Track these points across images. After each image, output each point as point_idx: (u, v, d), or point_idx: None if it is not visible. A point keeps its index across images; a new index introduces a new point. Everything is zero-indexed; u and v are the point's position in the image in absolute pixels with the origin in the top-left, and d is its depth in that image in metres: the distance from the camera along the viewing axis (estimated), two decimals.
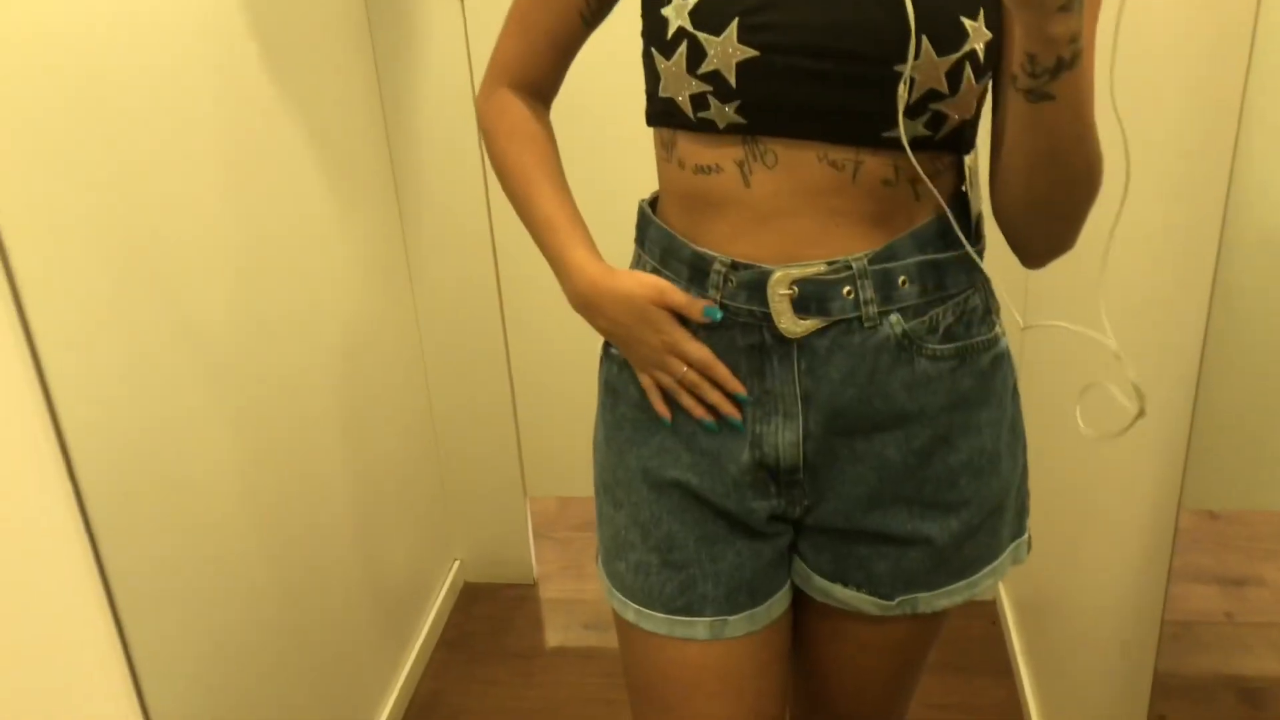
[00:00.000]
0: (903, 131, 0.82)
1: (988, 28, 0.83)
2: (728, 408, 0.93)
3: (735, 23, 0.82)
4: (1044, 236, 0.89)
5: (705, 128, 0.86)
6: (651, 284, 0.92)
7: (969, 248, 0.90)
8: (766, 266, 0.88)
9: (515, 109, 1.01)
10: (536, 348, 2.05)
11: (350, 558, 1.73)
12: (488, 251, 1.96)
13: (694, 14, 0.83)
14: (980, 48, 0.82)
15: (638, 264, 0.99)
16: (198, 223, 1.26)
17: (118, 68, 1.11)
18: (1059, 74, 0.74)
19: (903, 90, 0.81)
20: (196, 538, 1.26)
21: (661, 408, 0.96)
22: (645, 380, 0.96)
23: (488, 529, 2.24)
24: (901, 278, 0.88)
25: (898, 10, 0.79)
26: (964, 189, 0.94)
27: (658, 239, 0.95)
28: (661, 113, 0.89)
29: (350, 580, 1.73)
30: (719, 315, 0.90)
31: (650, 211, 0.97)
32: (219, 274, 1.31)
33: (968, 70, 0.82)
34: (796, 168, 0.85)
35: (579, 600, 2.21)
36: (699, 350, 0.92)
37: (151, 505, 1.16)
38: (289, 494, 1.49)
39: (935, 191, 0.87)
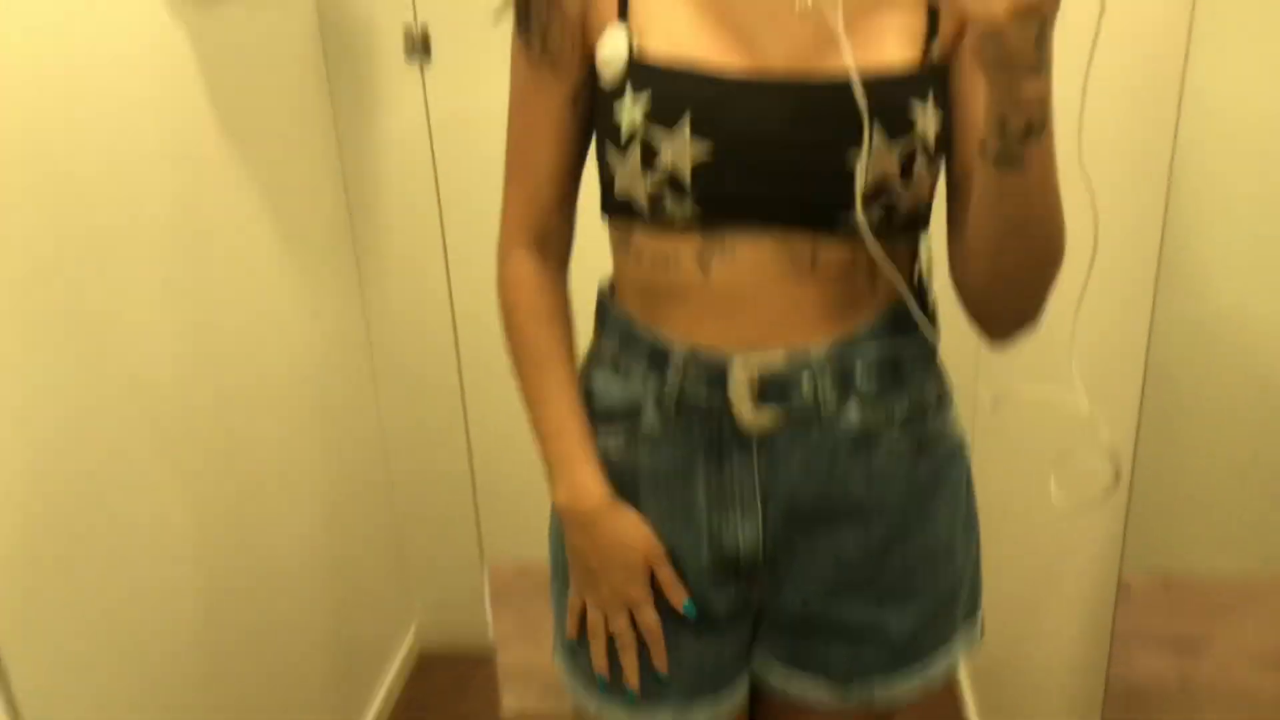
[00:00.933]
0: (861, 219, 0.82)
1: (937, 108, 0.84)
2: (633, 679, 0.95)
3: (688, 120, 0.83)
4: (1012, 311, 0.88)
5: (661, 223, 0.87)
6: (651, 544, 0.93)
7: (927, 331, 0.90)
8: (726, 356, 0.88)
9: (532, 280, 0.97)
10: (495, 407, 2.05)
11: (302, 624, 1.70)
12: (447, 315, 1.97)
13: (647, 113, 0.84)
14: (931, 131, 0.84)
15: (597, 350, 0.98)
16: (148, 293, 1.26)
17: (70, 131, 1.12)
18: (1029, 139, 0.72)
19: (860, 175, 0.81)
20: (139, 599, 1.24)
21: (574, 631, 0.98)
22: (574, 601, 0.97)
23: (444, 595, 2.21)
24: (860, 369, 0.89)
25: (847, 100, 0.80)
26: (920, 273, 0.94)
27: (616, 327, 0.95)
28: (617, 207, 0.90)
29: (302, 648, 1.70)
30: (694, 613, 0.94)
31: (609, 298, 0.97)
32: (170, 342, 1.31)
33: (919, 156, 0.84)
34: (755, 257, 0.86)
35: (537, 667, 2.18)
36: (651, 620, 0.93)
37: (91, 563, 1.15)
38: (238, 558, 1.48)
39: (896, 275, 0.87)
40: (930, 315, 0.94)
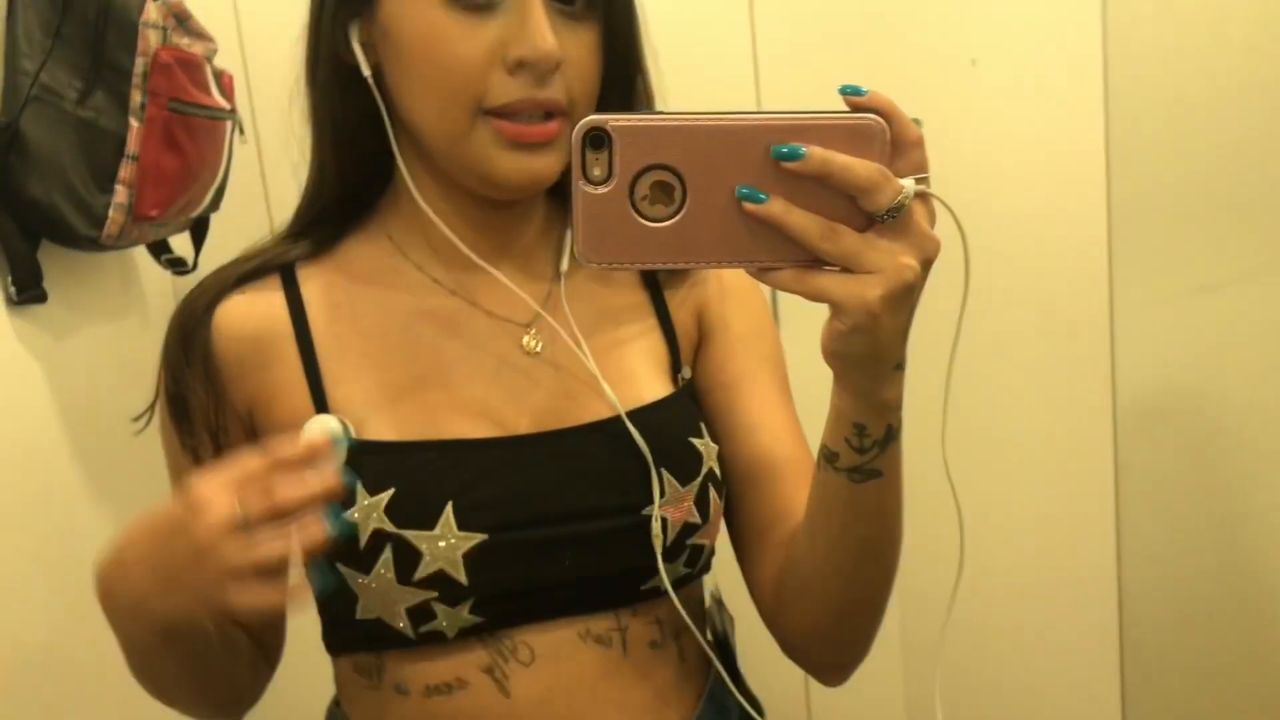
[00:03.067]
0: (665, 578, 0.72)
1: (712, 440, 0.77)
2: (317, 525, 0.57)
3: (449, 508, 0.69)
4: (855, 643, 0.75)
5: (430, 641, 0.71)
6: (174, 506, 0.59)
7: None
8: None
9: None
10: None
11: None
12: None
13: (392, 510, 0.68)
14: (715, 465, 0.76)
15: None
16: None
17: None
18: (888, 445, 0.63)
19: (657, 529, 0.71)
20: None
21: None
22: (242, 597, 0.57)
23: None
24: None
25: (629, 451, 0.71)
26: (722, 631, 0.84)
27: None
28: (357, 639, 0.73)
29: None
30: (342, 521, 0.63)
31: None
32: None
33: (711, 492, 0.75)
34: (559, 658, 0.72)
35: None
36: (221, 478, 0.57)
37: None
38: None
39: (703, 642, 0.77)
40: (728, 639, 0.83)
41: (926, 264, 0.54)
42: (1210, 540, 1.49)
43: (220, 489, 0.56)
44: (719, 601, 0.85)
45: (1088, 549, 1.57)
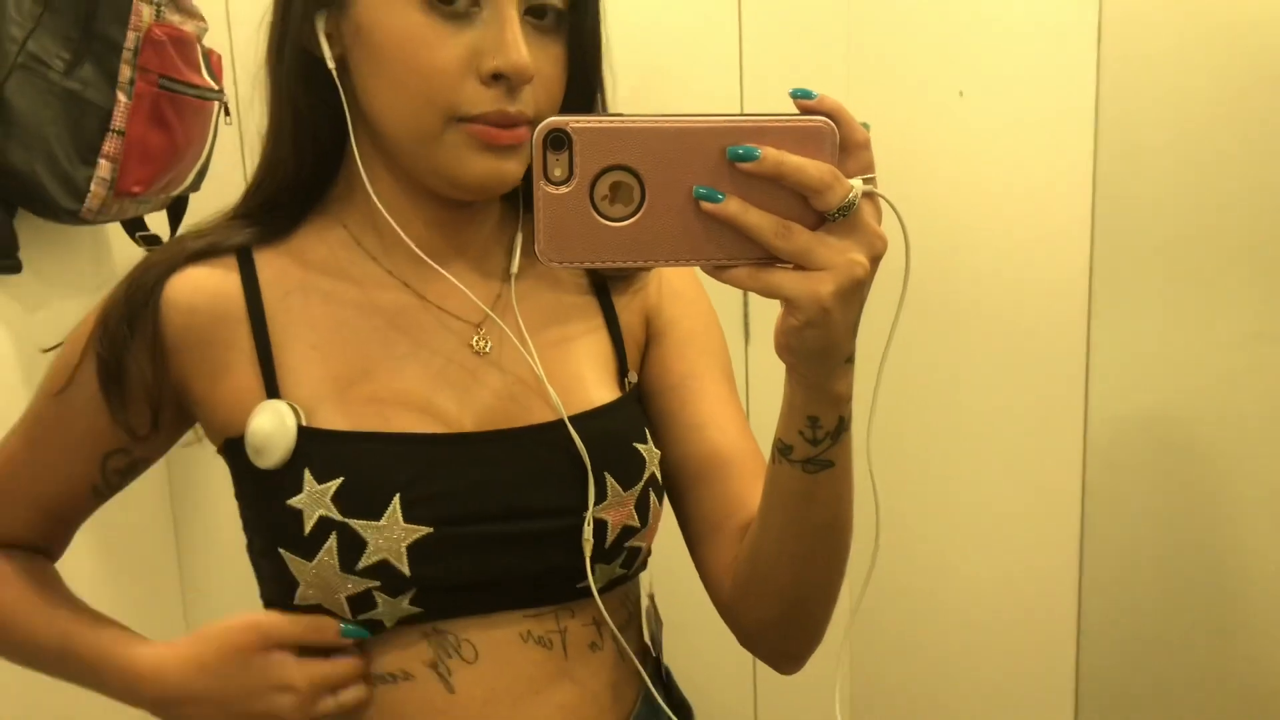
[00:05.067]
0: (591, 580, 0.74)
1: (662, 438, 0.79)
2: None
3: (397, 500, 0.70)
4: (810, 630, 0.76)
5: (372, 629, 0.73)
6: (247, 626, 0.72)
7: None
8: None
9: None
10: None
11: None
12: None
13: (340, 499, 0.69)
14: (657, 470, 0.78)
15: None
16: None
17: None
18: (840, 436, 0.65)
19: (588, 533, 0.73)
20: None
21: None
22: None
23: None
24: None
25: (574, 454, 0.73)
26: (653, 634, 0.86)
27: None
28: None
29: None
30: (366, 633, 0.72)
31: None
32: None
33: (652, 496, 0.77)
34: (503, 657, 0.73)
35: None
36: (344, 667, 0.72)
37: None
38: None
39: (627, 650, 0.79)
40: (656, 642, 0.85)
41: (875, 260, 0.56)
42: (1172, 565, 1.52)
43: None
44: (653, 602, 0.86)
45: (1051, 571, 1.60)
